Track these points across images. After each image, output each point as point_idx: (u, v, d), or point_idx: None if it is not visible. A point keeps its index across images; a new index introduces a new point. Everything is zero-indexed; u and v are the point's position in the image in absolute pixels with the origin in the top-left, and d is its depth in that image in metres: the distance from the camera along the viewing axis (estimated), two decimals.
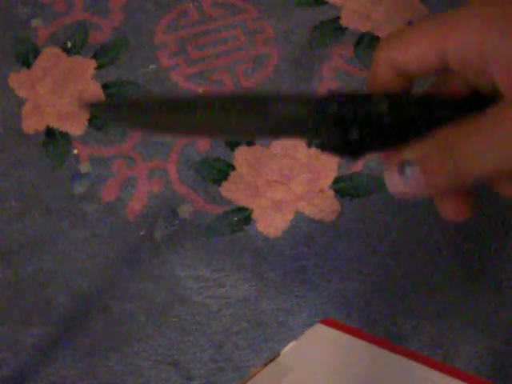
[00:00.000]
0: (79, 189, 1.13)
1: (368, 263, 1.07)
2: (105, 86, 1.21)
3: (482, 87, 0.24)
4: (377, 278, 1.06)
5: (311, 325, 1.10)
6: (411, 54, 0.24)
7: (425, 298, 1.05)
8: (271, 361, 0.33)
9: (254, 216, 1.10)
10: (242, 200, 1.12)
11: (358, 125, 0.24)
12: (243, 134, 0.27)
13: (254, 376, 0.32)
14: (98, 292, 1.06)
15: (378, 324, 1.03)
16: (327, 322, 0.36)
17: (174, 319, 1.04)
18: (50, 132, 1.17)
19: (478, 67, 0.23)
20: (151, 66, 1.24)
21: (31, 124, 1.18)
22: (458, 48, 0.23)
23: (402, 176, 0.23)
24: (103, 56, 1.24)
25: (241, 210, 1.11)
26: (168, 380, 1.01)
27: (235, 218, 1.11)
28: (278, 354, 0.35)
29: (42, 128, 1.18)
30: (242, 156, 1.15)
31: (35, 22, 1.28)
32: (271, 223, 1.10)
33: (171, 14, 1.30)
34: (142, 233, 1.10)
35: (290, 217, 1.10)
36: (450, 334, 1.03)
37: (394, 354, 0.36)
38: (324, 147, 0.25)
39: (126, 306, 1.05)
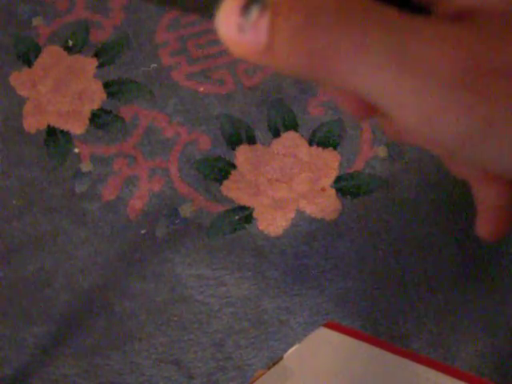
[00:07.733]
0: (80, 187, 1.13)
1: (369, 262, 1.07)
2: (106, 85, 1.21)
3: None
4: (378, 277, 1.06)
5: (312, 324, 1.10)
6: None
7: (426, 297, 1.05)
8: (274, 364, 0.33)
9: (255, 215, 1.10)
10: (243, 199, 1.12)
11: None
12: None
13: (256, 379, 0.32)
14: (99, 291, 1.06)
15: (379, 323, 1.03)
16: (330, 325, 0.36)
17: (175, 318, 1.04)
18: (51, 131, 1.17)
19: None
20: (152, 65, 1.24)
21: (32, 123, 1.18)
22: None
23: (242, 16, 0.16)
24: (104, 55, 1.24)
25: (242, 208, 1.11)
26: (169, 379, 1.01)
27: (236, 217, 1.11)
28: (281, 358, 0.35)
29: (43, 127, 1.18)
30: (242, 155, 1.15)
31: (36, 21, 1.27)
32: (272, 222, 1.10)
33: (172, 13, 1.30)
34: (143, 231, 1.10)
35: (291, 215, 1.10)
36: (451, 333, 1.03)
37: (397, 356, 0.36)
38: None
39: (127, 305, 1.05)
